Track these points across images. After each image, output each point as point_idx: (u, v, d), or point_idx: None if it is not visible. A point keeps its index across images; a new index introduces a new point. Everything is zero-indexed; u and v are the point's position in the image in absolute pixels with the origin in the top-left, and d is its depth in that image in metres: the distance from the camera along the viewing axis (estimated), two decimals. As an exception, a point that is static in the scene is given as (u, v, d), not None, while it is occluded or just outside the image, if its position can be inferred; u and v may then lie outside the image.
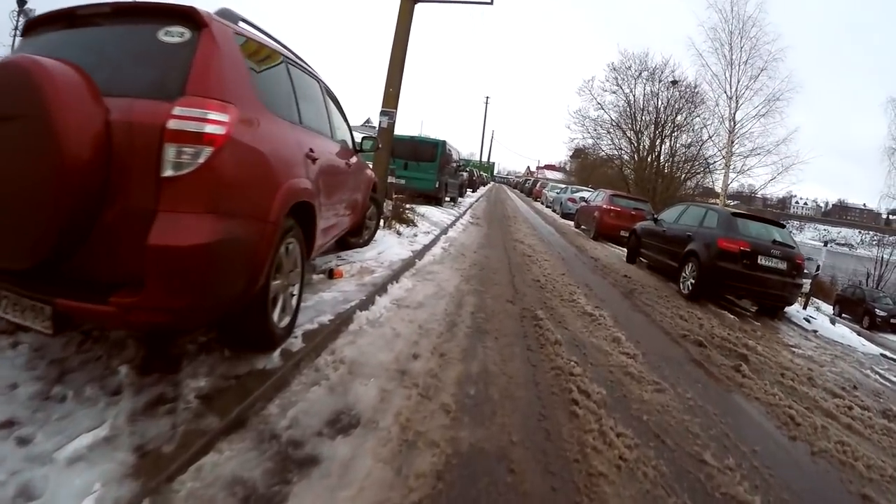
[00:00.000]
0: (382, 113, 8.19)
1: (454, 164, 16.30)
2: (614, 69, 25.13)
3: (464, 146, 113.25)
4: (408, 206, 10.69)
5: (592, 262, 9.04)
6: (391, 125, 8.17)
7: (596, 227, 12.98)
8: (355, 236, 5.52)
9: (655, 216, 9.34)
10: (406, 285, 4.78)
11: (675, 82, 24.83)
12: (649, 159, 25.55)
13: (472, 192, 28.48)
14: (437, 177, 13.07)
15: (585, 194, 18.41)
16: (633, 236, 9.94)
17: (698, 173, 24.82)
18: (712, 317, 6.25)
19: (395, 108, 8.20)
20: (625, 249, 12.07)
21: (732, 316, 6.59)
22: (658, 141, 25.48)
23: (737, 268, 6.69)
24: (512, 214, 16.93)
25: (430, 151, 13.27)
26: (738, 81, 19.98)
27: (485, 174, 55.70)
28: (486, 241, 8.86)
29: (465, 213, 14.04)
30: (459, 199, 18.07)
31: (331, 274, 4.45)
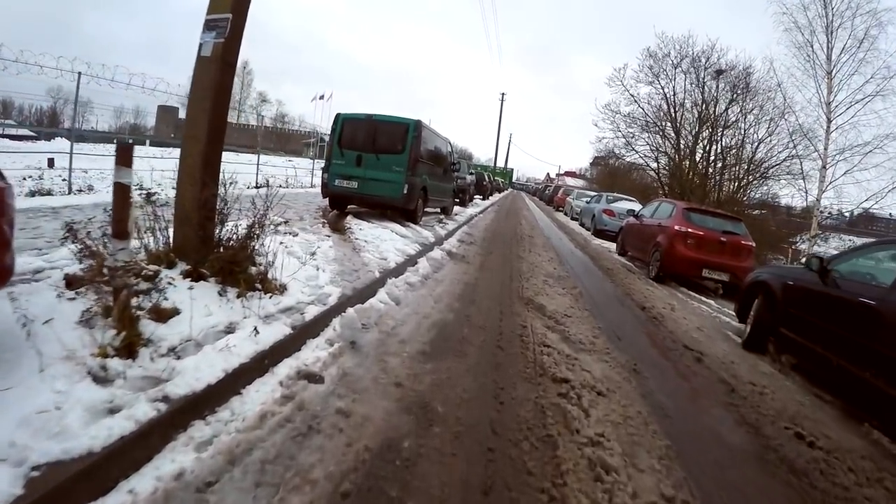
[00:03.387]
0: (207, 27, 3.46)
1: (449, 163, 11.44)
2: (650, 55, 20.23)
3: (482, 153, 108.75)
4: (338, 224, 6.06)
5: (689, 358, 4.11)
6: (221, 48, 3.42)
7: (661, 262, 7.99)
8: None
9: (842, 256, 4.38)
10: None
11: (720, 72, 19.99)
12: (694, 160, 20.56)
13: (483, 199, 23.76)
14: (405, 177, 8.28)
15: (633, 206, 13.41)
16: (764, 300, 4.97)
17: (767, 177, 19.62)
18: None
19: (235, 13, 3.46)
20: (714, 303, 7.11)
21: None
22: (706, 139, 20.53)
23: None
24: (527, 233, 12.00)
25: (395, 138, 8.50)
26: (835, 52, 14.76)
27: (502, 180, 50.92)
28: (459, 311, 4.02)
29: (453, 232, 9.23)
30: (456, 211, 13.26)
31: None
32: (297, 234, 5.98)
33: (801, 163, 15.38)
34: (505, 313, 4.26)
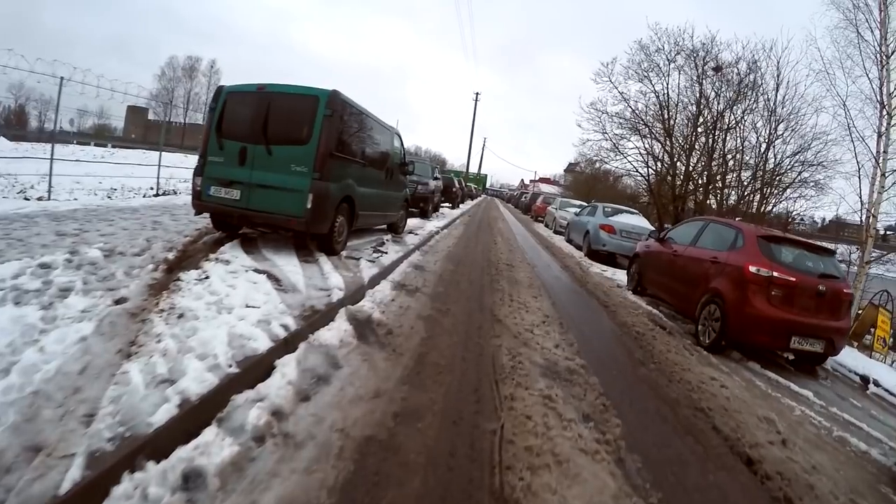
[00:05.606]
0: None
1: (397, 163, 8.22)
2: (641, 48, 18.00)
3: (455, 159, 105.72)
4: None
5: None
6: None
7: (726, 323, 4.92)
8: None
9: None
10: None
11: (718, 69, 17.98)
12: (688, 164, 18.43)
13: (452, 208, 20.63)
14: (311, 183, 5.07)
15: (638, 221, 10.46)
16: None
17: (786, 186, 17.51)
18: None
19: None
20: (811, 397, 4.19)
21: None
22: (704, 140, 18.40)
23: None
24: (505, 260, 8.84)
25: (297, 119, 5.27)
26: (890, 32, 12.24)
27: (475, 186, 47.95)
28: None
29: (392, 267, 6.03)
30: (412, 226, 10.06)
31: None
32: (49, 306, 2.77)
33: (856, 167, 12.71)
34: None
